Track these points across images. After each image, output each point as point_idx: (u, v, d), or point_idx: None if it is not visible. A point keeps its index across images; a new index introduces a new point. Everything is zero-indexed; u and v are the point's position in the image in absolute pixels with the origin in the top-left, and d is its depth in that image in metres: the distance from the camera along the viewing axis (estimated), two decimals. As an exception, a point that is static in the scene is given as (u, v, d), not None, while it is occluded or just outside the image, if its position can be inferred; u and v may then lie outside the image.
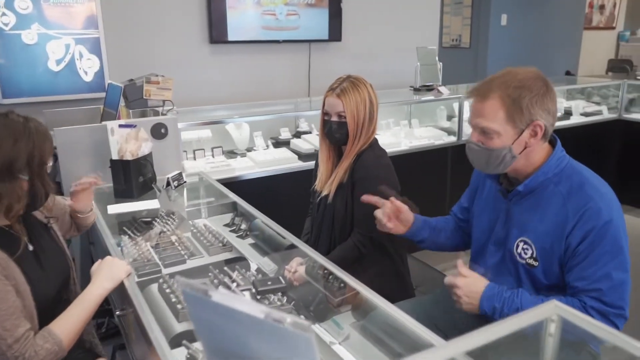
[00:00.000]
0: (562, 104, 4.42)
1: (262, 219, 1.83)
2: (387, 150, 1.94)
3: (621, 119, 4.37)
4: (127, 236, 1.87)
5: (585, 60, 7.17)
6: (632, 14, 8.05)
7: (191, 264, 1.69)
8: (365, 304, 1.38)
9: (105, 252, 1.63)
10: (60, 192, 2.10)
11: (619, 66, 6.89)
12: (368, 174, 1.82)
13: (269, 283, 1.43)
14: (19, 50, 2.84)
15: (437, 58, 3.97)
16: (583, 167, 1.37)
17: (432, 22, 4.45)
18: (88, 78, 3.04)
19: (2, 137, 1.28)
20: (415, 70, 3.81)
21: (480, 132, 1.34)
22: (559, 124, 3.94)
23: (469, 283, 1.33)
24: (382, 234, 1.64)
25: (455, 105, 3.71)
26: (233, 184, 2.61)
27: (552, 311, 0.76)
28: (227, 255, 1.75)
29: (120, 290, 1.45)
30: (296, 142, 3.13)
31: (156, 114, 2.54)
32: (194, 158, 2.96)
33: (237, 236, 2.02)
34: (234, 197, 2.07)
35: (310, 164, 2.86)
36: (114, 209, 1.99)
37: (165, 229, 1.92)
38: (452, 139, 3.55)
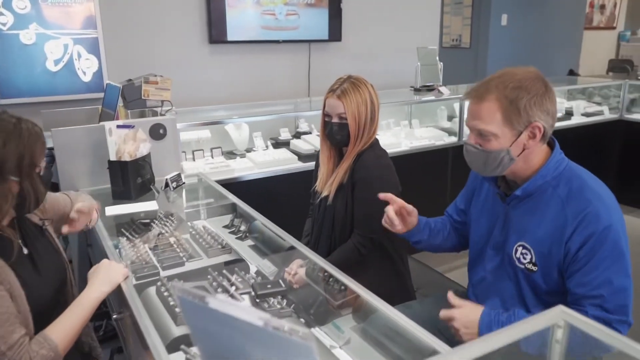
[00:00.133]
0: (563, 104, 4.41)
1: (261, 221, 1.81)
2: (388, 151, 1.92)
3: (622, 120, 4.35)
4: (125, 238, 1.85)
5: (585, 60, 7.16)
6: (633, 13, 8.04)
7: (190, 266, 1.67)
8: (366, 306, 1.36)
9: (102, 254, 1.61)
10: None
11: (619, 66, 6.89)
12: (368, 174, 1.80)
13: (269, 286, 1.41)
14: (17, 50, 2.83)
15: (437, 58, 3.95)
16: (582, 169, 1.34)
17: (432, 22, 4.44)
18: (86, 78, 3.03)
19: None
20: (416, 70, 3.80)
21: (477, 134, 1.31)
22: (560, 124, 3.92)
23: (465, 313, 1.32)
24: (382, 235, 1.62)
25: (456, 106, 3.70)
26: (232, 185, 2.59)
27: (558, 317, 0.74)
28: (226, 258, 1.73)
29: (117, 293, 1.43)
30: (296, 143, 3.11)
31: (155, 114, 2.52)
32: (193, 159, 2.94)
33: (237, 238, 2.01)
34: (233, 198, 2.05)
35: (310, 164, 2.84)
36: (112, 210, 1.97)
37: (163, 231, 1.90)
38: (453, 139, 3.53)
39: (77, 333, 1.32)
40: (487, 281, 1.48)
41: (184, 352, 1.22)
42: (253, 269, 1.71)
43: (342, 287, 1.41)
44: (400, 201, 1.51)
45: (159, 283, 1.49)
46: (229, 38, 3.45)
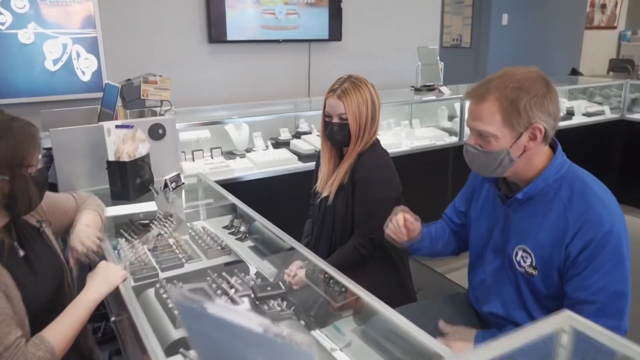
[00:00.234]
0: (564, 104, 4.39)
1: (261, 222, 1.80)
2: (388, 151, 1.91)
3: (624, 119, 4.34)
4: (123, 239, 1.83)
5: (586, 60, 7.15)
6: (634, 13, 8.02)
7: (189, 267, 1.66)
8: (366, 309, 1.34)
9: (101, 256, 1.59)
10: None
11: (620, 66, 6.88)
12: (369, 175, 1.79)
13: (269, 289, 1.39)
14: (16, 49, 2.81)
15: (438, 58, 3.93)
16: (584, 172, 1.32)
17: (432, 22, 4.42)
18: (85, 78, 3.02)
19: None
20: (417, 70, 3.78)
21: (477, 135, 1.30)
22: (561, 124, 3.90)
23: (459, 341, 1.32)
24: (382, 235, 1.60)
25: (457, 106, 3.69)
26: (232, 185, 2.58)
27: (564, 322, 0.72)
28: (226, 259, 1.71)
29: (116, 296, 1.41)
30: (296, 143, 3.09)
31: (154, 114, 2.50)
32: (193, 159, 2.93)
33: (236, 239, 1.99)
34: (232, 199, 2.03)
35: (311, 164, 2.83)
36: (111, 211, 1.96)
37: (162, 232, 1.89)
38: (454, 139, 3.52)
39: (75, 335, 1.30)
40: (487, 283, 1.46)
41: (183, 356, 1.20)
42: (253, 270, 1.69)
43: (343, 289, 1.39)
44: (407, 216, 1.49)
45: (157, 285, 1.47)
46: (229, 37, 3.44)
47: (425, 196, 3.13)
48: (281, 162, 2.88)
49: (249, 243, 1.95)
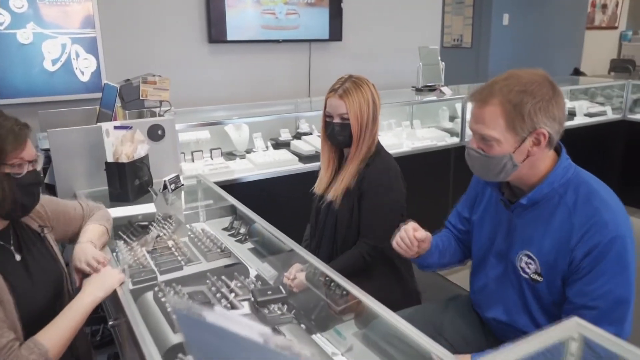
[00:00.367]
0: (565, 104, 4.36)
1: (261, 224, 1.78)
2: (389, 152, 1.89)
3: (625, 120, 4.32)
4: (122, 241, 1.81)
5: (587, 60, 7.13)
6: (635, 13, 8.00)
7: (188, 270, 1.63)
8: (368, 312, 1.32)
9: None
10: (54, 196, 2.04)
11: (621, 66, 6.87)
12: (378, 183, 1.77)
13: (269, 293, 1.37)
14: (14, 49, 2.80)
15: (439, 58, 3.91)
16: (590, 176, 1.29)
17: (433, 22, 4.41)
18: (84, 78, 3.00)
19: None
20: (417, 70, 3.76)
21: (479, 139, 1.27)
22: (563, 124, 3.88)
23: None
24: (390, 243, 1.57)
25: (458, 106, 3.66)
26: (232, 187, 2.56)
27: (573, 329, 0.70)
28: (226, 261, 1.69)
29: (113, 299, 1.39)
30: (296, 144, 3.07)
31: (153, 114, 2.49)
32: (192, 160, 2.91)
33: (236, 240, 1.97)
34: (232, 200, 2.01)
35: (312, 165, 2.82)
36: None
37: (161, 234, 1.87)
38: (455, 140, 3.50)
39: (70, 339, 1.28)
40: (490, 289, 1.44)
41: (182, 361, 1.18)
42: (253, 273, 1.67)
43: (344, 292, 1.37)
44: (417, 234, 1.44)
45: (156, 288, 1.45)
46: (229, 37, 3.42)
47: (426, 197, 3.12)
48: (281, 163, 2.86)
49: (249, 245, 1.93)
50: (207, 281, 1.49)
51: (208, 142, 2.98)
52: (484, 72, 6.02)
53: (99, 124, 2.17)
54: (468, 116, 3.51)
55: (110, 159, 2.07)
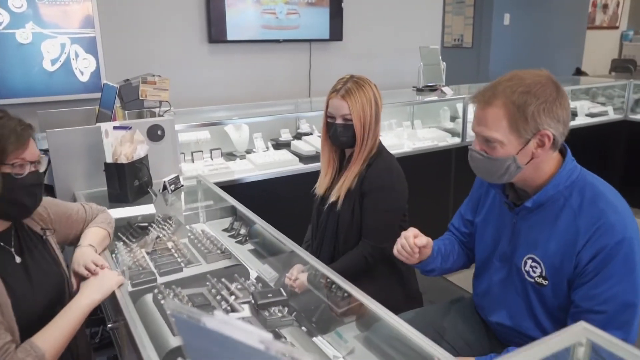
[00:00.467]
0: (570, 105, 4.35)
1: (261, 225, 1.76)
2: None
3: (627, 120, 4.30)
4: (121, 242, 1.80)
5: (588, 60, 7.11)
6: (636, 13, 7.99)
7: (188, 272, 1.62)
8: (370, 314, 1.31)
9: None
10: (52, 197, 2.02)
11: (622, 66, 6.85)
12: (380, 184, 1.76)
13: (270, 295, 1.36)
14: (13, 49, 2.78)
15: (440, 58, 3.90)
16: (596, 178, 1.28)
17: (434, 22, 4.39)
18: (84, 78, 2.98)
19: None
20: (418, 70, 3.75)
21: (482, 141, 1.25)
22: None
23: None
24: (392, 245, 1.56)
25: (459, 106, 3.65)
26: (232, 187, 2.55)
27: (580, 335, 0.69)
28: (226, 263, 1.68)
29: (112, 301, 1.38)
30: (297, 144, 3.06)
31: (153, 115, 2.47)
32: (192, 160, 2.90)
33: (236, 241, 1.96)
34: (232, 201, 2.00)
35: (312, 166, 2.80)
36: (108, 214, 1.92)
37: (161, 235, 1.85)
38: (456, 140, 3.48)
39: (66, 341, 1.27)
40: (493, 293, 1.42)
41: (181, 365, 1.17)
42: (253, 275, 1.66)
43: (345, 294, 1.36)
44: (417, 240, 1.42)
45: (155, 290, 1.44)
46: (229, 37, 3.40)
47: (427, 198, 3.10)
48: (282, 164, 2.84)
49: (249, 246, 1.91)
50: (207, 283, 1.48)
51: (208, 142, 2.96)
52: (485, 72, 6.00)
53: (98, 124, 2.15)
54: (469, 116, 3.51)
55: (109, 160, 2.05)
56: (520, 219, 1.33)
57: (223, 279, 1.48)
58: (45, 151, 2.11)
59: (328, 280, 1.41)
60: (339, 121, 1.77)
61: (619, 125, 4.28)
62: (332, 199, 1.81)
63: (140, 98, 2.41)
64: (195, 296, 1.41)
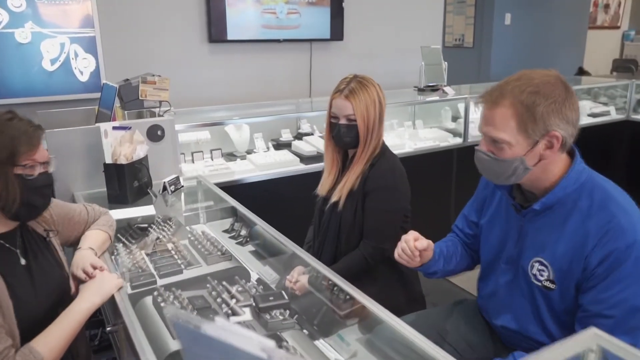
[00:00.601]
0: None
1: (262, 226, 1.75)
2: (392, 153, 1.86)
3: (629, 120, 4.29)
4: (121, 244, 1.78)
5: (589, 60, 7.09)
6: (637, 13, 7.97)
7: (188, 274, 1.60)
8: (373, 317, 1.29)
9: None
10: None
11: (624, 66, 6.84)
12: (383, 184, 1.75)
13: (271, 299, 1.34)
14: (13, 49, 2.76)
15: (442, 57, 3.88)
16: (605, 180, 1.26)
17: (435, 22, 4.38)
18: (84, 78, 2.96)
19: None
20: (420, 70, 3.73)
21: (489, 141, 1.23)
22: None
23: None
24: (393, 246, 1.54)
25: (461, 106, 3.63)
26: (232, 188, 2.53)
27: (591, 341, 0.67)
28: (226, 265, 1.66)
29: (111, 304, 1.36)
30: (298, 144, 3.04)
31: (152, 115, 2.45)
32: (192, 161, 2.88)
33: (237, 243, 1.94)
34: (233, 202, 1.98)
35: (313, 166, 2.79)
36: (108, 215, 1.91)
37: (161, 236, 1.84)
38: (458, 140, 3.46)
39: (66, 345, 1.25)
40: (499, 296, 1.40)
41: (181, 369, 1.15)
42: (254, 276, 1.64)
43: (347, 297, 1.34)
44: (417, 244, 1.40)
45: (155, 293, 1.42)
46: (229, 37, 3.39)
47: (428, 198, 3.08)
48: (283, 164, 2.83)
49: (250, 247, 1.90)
50: (208, 285, 1.46)
51: (208, 142, 2.95)
52: (486, 72, 5.99)
53: (97, 124, 2.14)
54: (471, 116, 3.50)
55: (108, 160, 2.04)
56: (528, 222, 1.31)
57: (224, 282, 1.46)
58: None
59: (329, 282, 1.39)
60: (342, 121, 1.75)
61: (621, 126, 4.26)
62: (334, 199, 1.80)
63: (140, 98, 2.40)
64: (196, 299, 1.39)
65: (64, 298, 1.40)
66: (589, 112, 4.26)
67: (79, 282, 1.42)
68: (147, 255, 1.70)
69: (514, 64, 5.87)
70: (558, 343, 0.68)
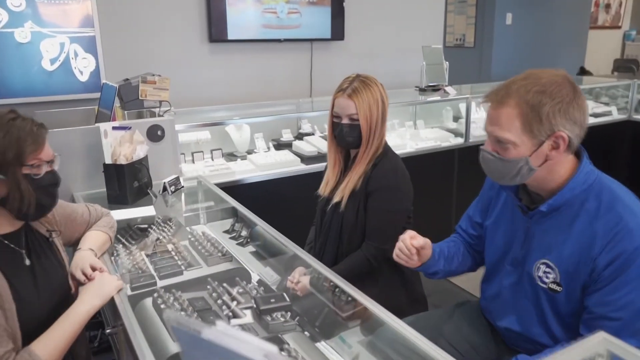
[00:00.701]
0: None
1: (262, 226, 1.73)
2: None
3: (631, 120, 4.27)
4: (120, 245, 1.76)
5: (590, 60, 7.08)
6: (638, 13, 7.96)
7: (188, 275, 1.59)
8: (375, 319, 1.28)
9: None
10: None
11: (625, 66, 6.83)
12: (385, 185, 1.73)
13: (272, 301, 1.32)
14: (12, 49, 2.75)
15: (443, 57, 3.87)
16: (613, 181, 1.24)
17: (436, 21, 4.36)
18: (83, 78, 2.95)
19: None
20: (421, 69, 3.72)
21: (494, 141, 1.21)
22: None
23: None
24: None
25: (462, 106, 3.62)
26: (233, 188, 2.52)
27: (600, 346, 0.66)
28: (227, 266, 1.65)
29: (111, 306, 1.35)
30: (298, 144, 3.03)
31: (152, 115, 2.44)
32: (193, 161, 2.87)
33: (237, 243, 1.93)
34: (233, 202, 1.97)
35: (314, 167, 2.77)
36: (108, 215, 1.89)
37: (161, 237, 1.82)
38: (459, 140, 3.45)
39: (65, 348, 1.24)
40: (503, 297, 1.39)
41: (181, 372, 1.13)
42: (255, 278, 1.63)
43: (349, 298, 1.33)
44: (414, 242, 1.39)
45: (155, 294, 1.41)
46: (230, 37, 3.37)
47: (430, 198, 3.07)
48: (283, 164, 2.81)
49: (251, 248, 1.88)
50: (208, 287, 1.45)
51: (208, 142, 2.93)
52: (487, 72, 5.97)
53: (97, 124, 2.13)
54: (472, 116, 3.48)
55: (108, 161, 2.03)
56: (534, 223, 1.29)
57: (224, 283, 1.45)
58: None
59: (331, 283, 1.38)
60: (345, 121, 1.73)
61: (622, 126, 4.25)
62: (336, 199, 1.78)
63: (140, 98, 2.38)
64: (196, 300, 1.38)
65: (67, 299, 1.39)
66: (590, 112, 4.24)
67: (79, 283, 1.41)
68: (147, 256, 1.69)
69: (515, 63, 5.85)
70: (567, 348, 0.66)
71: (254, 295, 1.40)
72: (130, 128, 2.09)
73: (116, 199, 2.03)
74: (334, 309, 1.38)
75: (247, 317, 1.33)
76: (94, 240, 1.55)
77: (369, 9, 3.94)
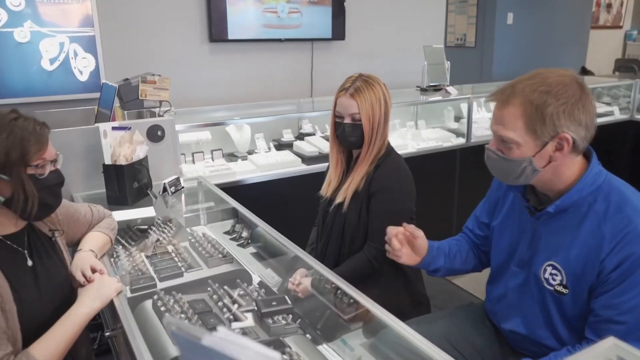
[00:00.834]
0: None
1: (263, 227, 1.72)
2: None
3: (633, 120, 4.26)
4: (120, 246, 1.75)
5: (592, 60, 7.07)
6: (639, 13, 7.94)
7: (188, 277, 1.58)
8: (376, 321, 1.26)
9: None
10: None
11: (626, 66, 6.81)
12: (388, 186, 1.72)
13: (274, 303, 1.31)
14: (11, 48, 2.74)
15: (444, 57, 3.85)
16: (623, 183, 1.22)
17: (436, 21, 4.35)
18: (83, 77, 2.94)
19: None
20: (422, 69, 3.70)
21: (499, 140, 1.20)
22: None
23: None
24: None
25: (463, 106, 3.60)
26: (233, 189, 2.50)
27: (610, 352, 0.64)
28: (228, 268, 1.64)
29: (111, 308, 1.33)
30: (299, 145, 3.01)
31: (152, 115, 2.43)
32: (193, 161, 2.86)
33: (238, 245, 1.91)
34: (234, 203, 1.95)
35: (315, 167, 2.76)
36: (107, 216, 1.88)
37: (161, 238, 1.81)
38: (461, 140, 3.43)
39: (64, 351, 1.23)
40: (509, 299, 1.37)
41: (181, 375, 1.12)
42: (256, 279, 1.61)
43: (351, 300, 1.31)
44: (400, 235, 1.42)
45: (155, 296, 1.39)
46: (230, 36, 3.36)
47: (431, 198, 3.05)
48: (284, 165, 2.80)
49: (252, 249, 1.87)
50: (209, 289, 1.44)
51: (209, 143, 2.92)
52: (488, 72, 5.96)
53: (96, 124, 2.11)
54: (474, 116, 3.47)
55: (108, 161, 2.01)
56: (542, 224, 1.27)
57: (225, 286, 1.44)
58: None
59: (333, 285, 1.36)
60: (347, 120, 1.72)
61: (624, 126, 4.23)
62: (338, 200, 1.77)
63: (139, 98, 2.37)
64: (197, 302, 1.36)
65: (69, 298, 1.38)
66: (592, 112, 4.22)
67: (79, 284, 1.40)
68: (147, 257, 1.67)
69: (516, 63, 5.84)
70: (576, 354, 0.65)
71: (255, 298, 1.38)
72: (130, 128, 2.07)
73: (116, 200, 2.02)
74: (335, 311, 1.37)
75: (249, 320, 1.32)
76: (94, 241, 1.54)
77: (370, 8, 3.93)
